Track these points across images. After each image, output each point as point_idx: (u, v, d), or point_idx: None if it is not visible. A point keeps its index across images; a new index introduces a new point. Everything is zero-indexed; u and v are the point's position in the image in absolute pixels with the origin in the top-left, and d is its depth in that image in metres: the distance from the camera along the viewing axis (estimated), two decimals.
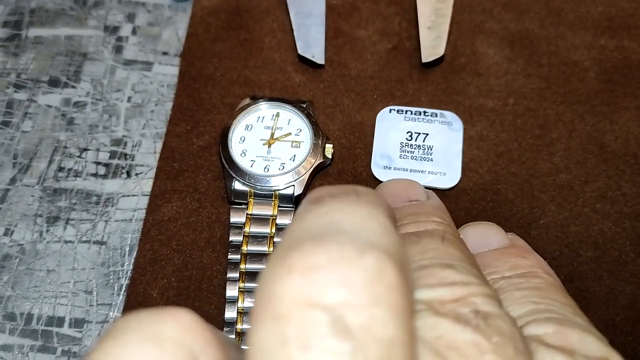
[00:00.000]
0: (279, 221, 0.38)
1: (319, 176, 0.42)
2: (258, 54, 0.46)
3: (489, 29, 0.48)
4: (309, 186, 0.40)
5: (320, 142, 0.40)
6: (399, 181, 0.29)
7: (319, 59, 0.45)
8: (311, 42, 0.45)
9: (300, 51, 0.45)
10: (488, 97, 0.45)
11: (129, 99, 0.45)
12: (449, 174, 0.41)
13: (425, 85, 0.46)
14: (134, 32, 0.48)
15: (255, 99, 0.42)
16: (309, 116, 0.41)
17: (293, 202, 0.39)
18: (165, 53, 0.47)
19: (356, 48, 0.47)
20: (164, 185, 0.41)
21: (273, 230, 0.38)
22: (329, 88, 0.45)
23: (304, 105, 0.42)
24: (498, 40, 0.47)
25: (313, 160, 0.39)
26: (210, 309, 0.38)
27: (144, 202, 0.41)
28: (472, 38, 0.48)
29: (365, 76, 0.46)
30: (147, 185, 0.42)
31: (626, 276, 0.39)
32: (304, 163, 0.39)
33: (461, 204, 0.41)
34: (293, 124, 0.41)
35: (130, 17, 0.49)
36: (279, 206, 0.39)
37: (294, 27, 0.46)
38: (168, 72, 0.46)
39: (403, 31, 0.48)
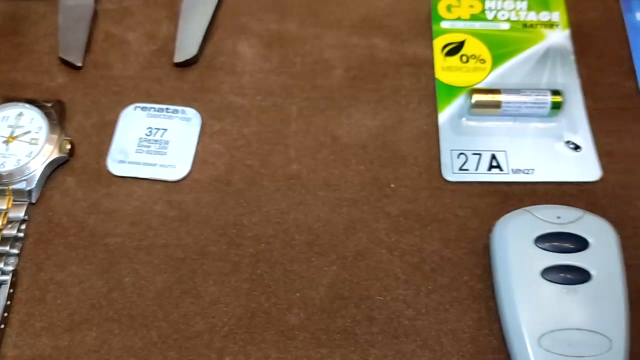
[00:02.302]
0: (11, 214, 0.41)
1: (62, 171, 0.45)
2: (28, 56, 0.50)
3: (251, 30, 0.51)
4: (44, 180, 0.43)
5: (57, 139, 0.43)
6: None
7: (77, 61, 0.48)
8: (72, 46, 0.48)
9: (60, 54, 0.48)
10: (239, 95, 0.48)
11: None
12: (179, 167, 0.44)
13: (182, 84, 0.49)
14: None
15: (7, 100, 0.45)
16: (49, 115, 0.44)
17: (26, 196, 0.42)
18: None
19: (122, 50, 0.50)
20: None
21: (3, 223, 0.41)
22: (89, 88, 0.48)
23: (49, 105, 0.45)
24: (258, 40, 0.50)
25: (47, 156, 0.42)
26: None
27: None
28: (234, 38, 0.51)
29: (126, 76, 0.49)
30: None
31: (333, 258, 0.42)
32: (37, 158, 0.42)
33: (193, 193, 0.44)
34: (35, 123, 0.44)
35: None
36: (13, 200, 0.42)
37: (59, 31, 0.49)
38: None
39: (170, 34, 0.51)
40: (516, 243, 0.38)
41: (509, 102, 0.44)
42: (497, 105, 0.45)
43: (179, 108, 0.45)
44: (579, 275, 0.36)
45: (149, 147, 0.44)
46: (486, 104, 0.45)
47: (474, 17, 0.50)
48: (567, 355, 0.34)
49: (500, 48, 0.49)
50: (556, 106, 0.44)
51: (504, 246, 0.38)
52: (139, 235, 0.42)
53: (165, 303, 0.40)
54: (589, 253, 0.37)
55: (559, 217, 0.38)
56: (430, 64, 0.49)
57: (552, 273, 0.36)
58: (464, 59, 0.48)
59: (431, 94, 0.47)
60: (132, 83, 0.48)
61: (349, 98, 0.47)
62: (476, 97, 0.44)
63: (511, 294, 0.36)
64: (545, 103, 0.44)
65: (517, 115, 0.45)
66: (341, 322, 0.39)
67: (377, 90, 0.48)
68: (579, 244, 0.37)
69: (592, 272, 0.36)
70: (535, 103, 0.44)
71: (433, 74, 0.48)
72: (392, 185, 0.44)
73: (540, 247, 0.37)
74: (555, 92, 0.44)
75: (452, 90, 0.47)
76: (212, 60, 0.49)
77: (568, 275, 0.36)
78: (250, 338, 0.39)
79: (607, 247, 0.37)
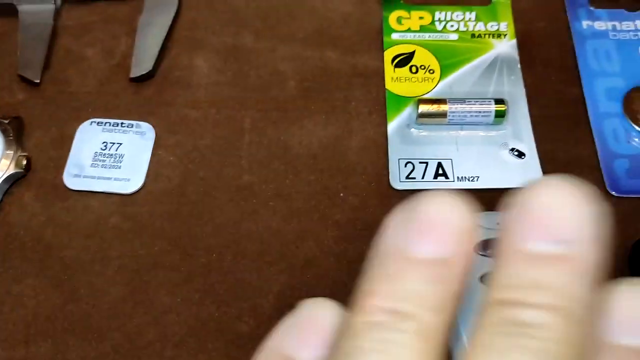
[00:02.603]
0: None
1: (20, 186, 0.46)
2: None
3: (208, 44, 0.52)
4: (1, 196, 0.44)
5: (14, 154, 0.44)
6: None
7: (35, 77, 0.49)
8: (31, 62, 0.50)
9: (19, 71, 0.49)
10: (194, 108, 0.49)
11: None
12: (132, 180, 0.45)
13: (139, 99, 0.50)
14: None
15: None
16: (5, 132, 0.45)
17: None
18: None
19: (81, 66, 0.51)
20: None
21: None
22: (48, 104, 0.50)
23: (6, 122, 0.46)
24: (214, 54, 0.52)
25: (3, 172, 0.44)
26: None
27: None
28: (191, 53, 0.52)
29: (84, 92, 0.50)
30: None
31: (283, 266, 0.43)
32: None
33: (147, 206, 0.45)
34: None
35: None
36: None
37: (19, 48, 0.50)
38: None
39: (129, 49, 0.52)
40: None
41: (454, 112, 0.46)
42: (442, 114, 0.46)
43: (134, 122, 0.47)
44: None
45: (104, 161, 0.45)
46: (432, 113, 0.46)
47: (423, 29, 0.52)
48: None
49: (449, 58, 0.50)
50: (500, 115, 0.46)
51: None
52: (94, 248, 0.43)
53: (119, 314, 0.41)
54: None
55: (499, 224, 0.39)
56: (380, 74, 0.50)
57: None
58: (414, 69, 0.50)
59: (381, 104, 0.49)
60: (90, 98, 0.49)
61: (301, 109, 0.48)
62: (422, 108, 0.46)
63: None
64: (489, 112, 0.46)
65: (463, 124, 0.46)
66: None
67: (328, 101, 0.49)
68: None
69: None
70: (479, 112, 0.46)
71: (383, 84, 0.49)
72: (342, 194, 0.45)
73: (479, 254, 0.39)
74: (499, 101, 0.46)
75: (402, 101, 0.48)
76: (169, 75, 0.50)
77: None
78: (201, 347, 0.40)
79: None
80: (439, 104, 0.46)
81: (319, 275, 0.42)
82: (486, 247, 0.38)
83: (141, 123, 0.47)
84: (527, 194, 0.17)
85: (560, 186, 0.17)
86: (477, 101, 0.46)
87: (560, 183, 0.17)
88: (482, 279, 0.37)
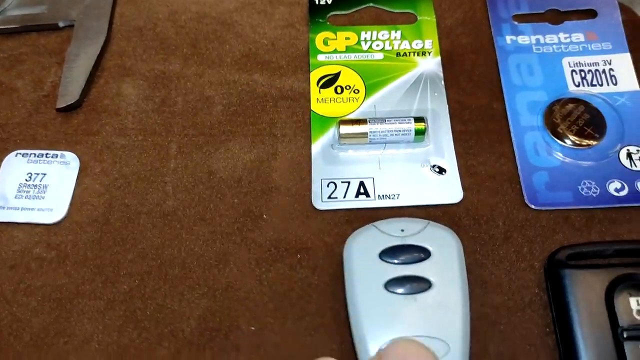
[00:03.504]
0: None
1: None
2: None
3: (136, 71, 0.53)
4: None
5: None
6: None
7: None
8: None
9: None
10: (120, 135, 0.50)
11: None
12: (55, 210, 0.46)
13: (67, 128, 0.50)
14: None
15: None
16: None
17: None
18: None
19: (11, 97, 0.52)
20: None
21: None
22: None
23: None
24: (142, 81, 0.52)
25: None
26: None
27: None
28: (119, 81, 0.53)
29: (14, 123, 0.51)
30: None
31: (204, 290, 0.43)
32: None
33: (72, 235, 0.46)
34: None
35: None
36: None
37: None
38: None
39: (58, 80, 0.53)
40: (361, 258, 0.40)
41: (374, 132, 0.46)
42: (363, 135, 0.46)
43: (58, 152, 0.47)
44: (420, 285, 0.38)
45: (28, 192, 0.45)
46: (353, 134, 0.47)
47: (349, 49, 0.52)
48: None
49: (374, 77, 0.51)
50: (420, 132, 0.46)
51: (350, 262, 0.40)
52: (17, 278, 0.44)
53: (40, 344, 0.41)
54: (430, 262, 0.39)
55: (402, 230, 0.40)
56: (306, 96, 0.51)
57: (394, 284, 0.38)
58: (339, 90, 0.50)
59: (306, 125, 0.49)
60: (18, 129, 0.50)
61: (227, 133, 0.49)
62: (343, 128, 0.46)
63: (356, 307, 0.38)
64: (409, 130, 0.46)
65: (385, 142, 0.47)
66: (209, 353, 0.41)
67: (254, 124, 0.49)
68: (421, 254, 0.39)
69: (433, 280, 0.38)
70: (399, 131, 0.46)
71: (309, 106, 0.50)
72: (265, 216, 0.45)
73: (384, 261, 0.39)
74: (419, 119, 0.46)
75: (326, 121, 0.49)
76: (97, 103, 0.51)
77: (409, 286, 0.38)
78: None
79: (447, 255, 0.39)
80: (359, 124, 0.47)
81: (240, 298, 0.42)
82: (390, 254, 0.38)
83: (66, 153, 0.47)
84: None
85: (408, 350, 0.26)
86: (397, 120, 0.47)
87: (408, 346, 0.26)
88: (387, 285, 0.37)
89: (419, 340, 0.36)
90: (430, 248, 0.39)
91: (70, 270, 0.44)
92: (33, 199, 0.45)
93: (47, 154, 0.47)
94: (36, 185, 0.46)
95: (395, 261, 0.39)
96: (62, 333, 0.42)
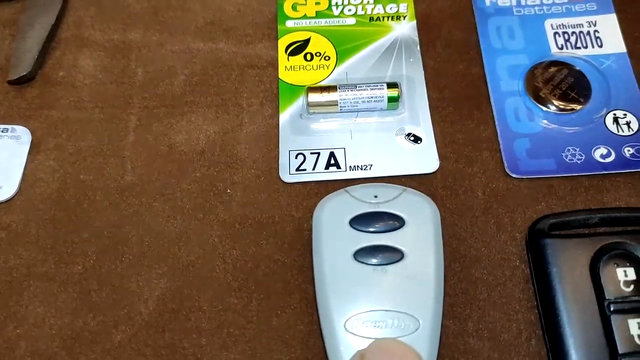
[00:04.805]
0: None
1: None
2: None
3: (94, 42, 0.50)
4: None
5: None
6: None
7: None
8: None
9: None
10: (77, 109, 0.47)
11: None
12: (5, 187, 0.42)
13: (20, 102, 0.47)
14: None
15: None
16: None
17: None
18: None
19: None
20: None
21: None
22: None
23: None
24: (101, 52, 0.49)
25: None
26: None
27: None
28: (77, 52, 0.49)
29: None
30: None
31: (164, 270, 0.40)
32: None
33: (23, 213, 0.43)
34: None
35: None
36: None
37: None
38: None
39: (13, 51, 0.49)
40: (331, 225, 0.37)
41: (345, 99, 0.43)
42: (333, 103, 0.43)
43: (9, 127, 0.44)
44: (391, 255, 0.35)
45: None
46: (322, 102, 0.44)
47: (319, 15, 0.49)
48: (373, 338, 0.33)
49: (346, 43, 0.48)
50: (393, 99, 0.43)
51: (319, 229, 0.37)
52: None
53: None
54: (403, 232, 0.36)
55: (376, 197, 0.37)
56: (274, 64, 0.48)
57: (364, 254, 0.35)
58: (309, 57, 0.47)
59: (274, 95, 0.46)
60: None
61: (189, 104, 0.46)
62: (312, 96, 0.44)
63: (322, 278, 0.35)
64: (382, 97, 0.43)
65: (356, 110, 0.44)
66: (169, 336, 0.38)
67: (219, 94, 0.46)
68: (394, 223, 0.36)
69: (405, 250, 0.35)
70: (372, 97, 0.43)
71: (277, 74, 0.47)
72: (229, 191, 0.42)
73: (355, 228, 0.36)
74: (392, 85, 0.44)
75: (295, 90, 0.46)
76: (52, 76, 0.48)
77: (379, 256, 0.35)
78: (74, 359, 0.37)
79: (423, 224, 0.36)
80: (328, 92, 0.44)
81: (202, 277, 0.40)
82: (361, 221, 0.35)
83: (16, 127, 0.44)
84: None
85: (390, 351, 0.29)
86: (368, 86, 0.44)
87: (393, 346, 0.29)
88: (356, 255, 0.34)
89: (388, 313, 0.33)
90: (404, 216, 0.36)
91: (21, 250, 0.41)
92: None
93: None
94: None
95: (367, 229, 0.36)
96: (12, 317, 0.39)
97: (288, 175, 0.42)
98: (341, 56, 0.47)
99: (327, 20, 0.49)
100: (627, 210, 0.38)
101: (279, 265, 0.40)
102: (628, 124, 0.42)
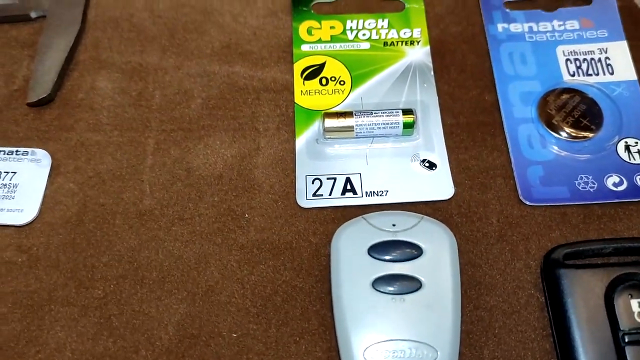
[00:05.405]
0: None
1: None
2: None
3: (112, 64, 0.50)
4: None
5: None
6: None
7: None
8: None
9: None
10: (95, 131, 0.47)
11: None
12: (26, 210, 0.43)
13: (39, 124, 0.48)
14: None
15: None
16: None
17: None
18: None
19: None
20: None
21: None
22: None
23: None
24: (118, 74, 0.50)
25: None
26: None
27: None
28: (94, 74, 0.50)
29: None
30: None
31: (183, 295, 0.41)
32: None
33: (43, 237, 0.43)
34: None
35: None
36: None
37: None
38: None
39: (31, 73, 0.50)
40: (349, 253, 0.37)
41: (361, 125, 0.44)
42: (349, 128, 0.44)
43: (29, 150, 0.44)
44: (410, 284, 0.36)
45: None
46: (338, 127, 0.44)
47: (334, 39, 0.50)
48: None
49: (360, 68, 0.48)
50: (408, 126, 0.44)
51: (338, 257, 0.37)
52: None
53: (11, 353, 0.39)
54: (422, 261, 0.36)
55: (394, 225, 0.38)
56: (290, 88, 0.48)
57: (383, 283, 0.36)
58: (324, 81, 0.48)
59: (290, 119, 0.47)
60: None
61: (206, 128, 0.47)
62: (328, 122, 0.44)
63: (341, 306, 0.36)
64: (397, 123, 0.44)
65: (372, 136, 0.45)
66: None
67: (235, 118, 0.47)
68: (412, 251, 0.37)
69: (423, 280, 0.36)
70: (387, 124, 0.44)
71: (292, 98, 0.47)
72: (247, 215, 0.43)
73: (373, 257, 0.37)
74: (407, 112, 0.44)
75: (311, 115, 0.46)
76: (71, 98, 0.48)
77: (398, 285, 0.36)
78: None
79: (441, 253, 0.37)
80: (345, 117, 0.44)
81: (221, 303, 0.40)
82: (380, 250, 0.36)
83: (37, 150, 0.45)
84: None
85: None
86: (384, 112, 0.44)
87: None
88: (374, 284, 0.35)
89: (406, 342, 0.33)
90: (422, 245, 0.37)
91: (42, 274, 0.41)
92: (2, 199, 0.43)
93: (17, 151, 0.44)
94: (6, 185, 0.43)
95: (385, 258, 0.37)
96: (33, 342, 0.39)
97: (305, 200, 0.43)
98: (356, 81, 0.48)
99: (342, 44, 0.50)
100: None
101: (297, 290, 0.41)
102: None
